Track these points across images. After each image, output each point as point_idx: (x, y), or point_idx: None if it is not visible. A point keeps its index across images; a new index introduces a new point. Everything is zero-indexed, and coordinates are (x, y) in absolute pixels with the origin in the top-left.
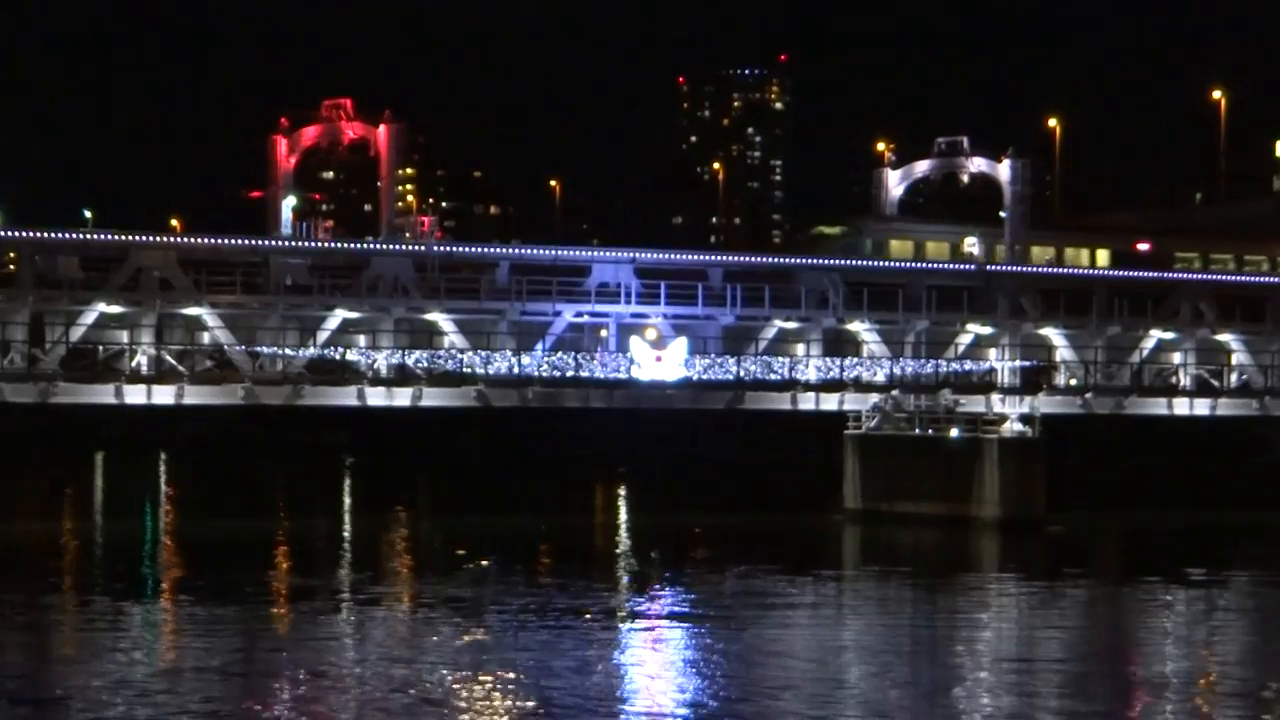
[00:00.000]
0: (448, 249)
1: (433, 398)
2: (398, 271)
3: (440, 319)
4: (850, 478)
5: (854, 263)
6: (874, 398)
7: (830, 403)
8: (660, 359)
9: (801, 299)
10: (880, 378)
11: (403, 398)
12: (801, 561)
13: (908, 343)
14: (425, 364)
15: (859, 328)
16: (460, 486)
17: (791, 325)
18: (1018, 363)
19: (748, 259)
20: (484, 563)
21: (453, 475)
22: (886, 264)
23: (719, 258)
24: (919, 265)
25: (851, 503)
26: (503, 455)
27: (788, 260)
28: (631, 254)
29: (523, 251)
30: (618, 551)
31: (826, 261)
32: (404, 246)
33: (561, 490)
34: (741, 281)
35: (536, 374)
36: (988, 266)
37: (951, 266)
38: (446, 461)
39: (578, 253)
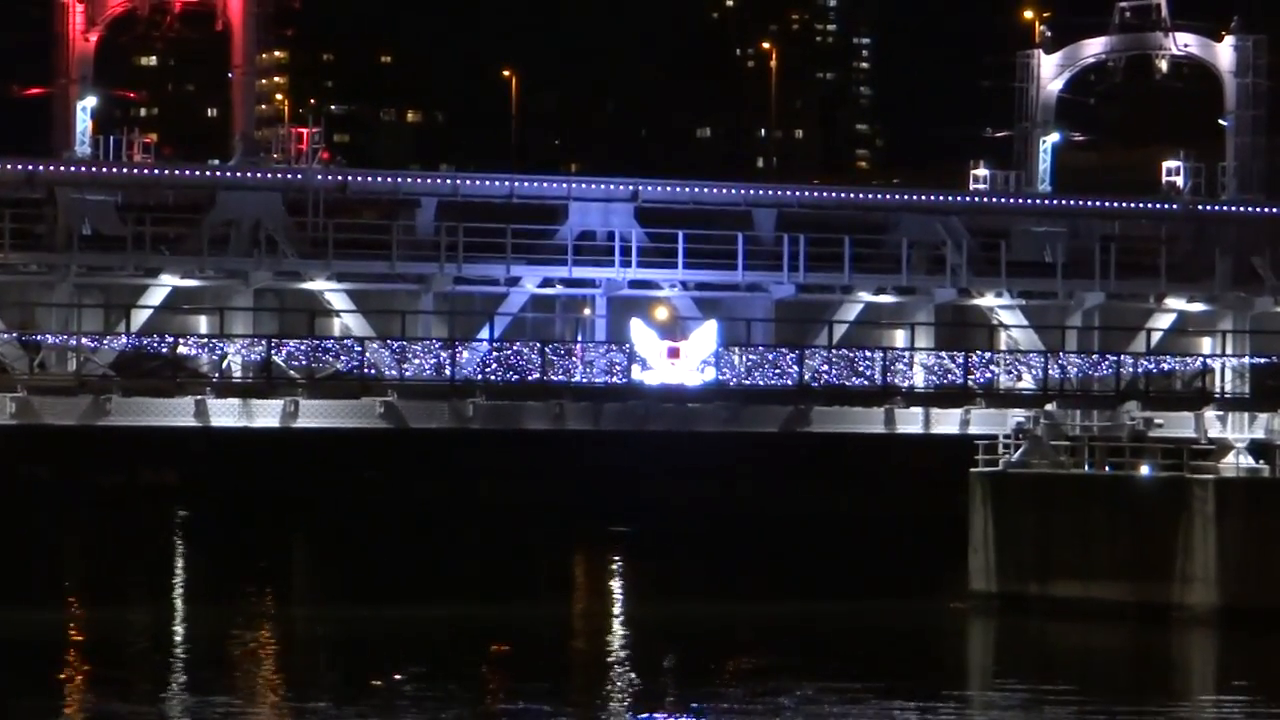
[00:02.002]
0: (339, 178)
1: (316, 415)
2: (260, 214)
3: (328, 290)
4: (980, 542)
5: (984, 199)
6: (1017, 415)
7: (948, 422)
8: (677, 353)
9: (903, 258)
10: (1027, 382)
11: (268, 415)
12: (903, 675)
13: (1071, 327)
14: (303, 362)
15: (993, 303)
16: (360, 557)
17: (887, 299)
18: (1247, 359)
19: (817, 194)
20: (392, 676)
21: (348, 539)
22: (1034, 201)
23: (770, 192)
24: (1086, 204)
25: (982, 582)
26: (428, 506)
27: (881, 196)
28: (631, 185)
29: (459, 182)
30: (610, 658)
31: (939, 198)
32: (270, 175)
33: (522, 562)
34: (807, 230)
35: (480, 378)
36: (1199, 205)
37: (1141, 205)
38: (338, 517)
39: (547, 184)
